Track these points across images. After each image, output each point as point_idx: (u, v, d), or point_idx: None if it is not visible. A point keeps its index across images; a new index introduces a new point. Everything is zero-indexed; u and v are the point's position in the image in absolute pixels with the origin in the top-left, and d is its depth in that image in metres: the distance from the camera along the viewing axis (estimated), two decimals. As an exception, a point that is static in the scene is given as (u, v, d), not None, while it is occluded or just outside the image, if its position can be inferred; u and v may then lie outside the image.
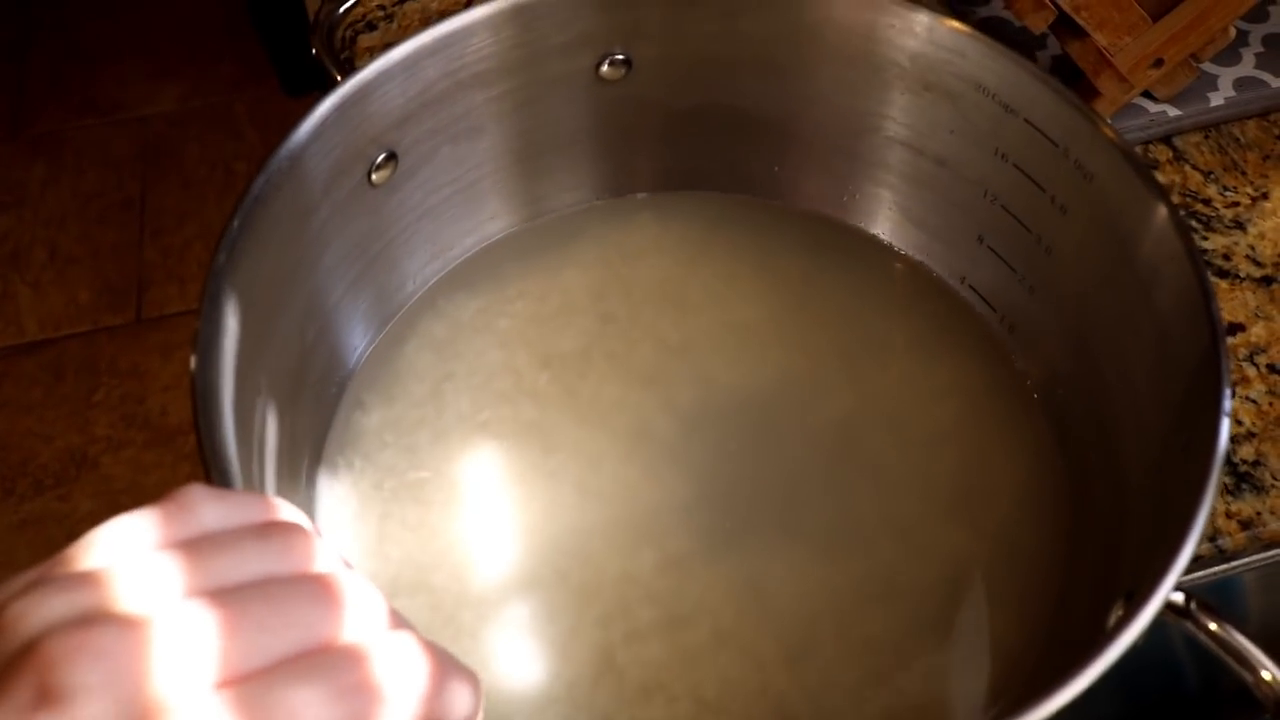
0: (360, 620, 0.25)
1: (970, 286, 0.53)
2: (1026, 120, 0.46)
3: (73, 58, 1.71)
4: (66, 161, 1.60)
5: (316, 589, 0.25)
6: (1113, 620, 0.37)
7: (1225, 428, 0.37)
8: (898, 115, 0.51)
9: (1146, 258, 0.43)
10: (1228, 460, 0.52)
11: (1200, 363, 0.39)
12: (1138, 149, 0.63)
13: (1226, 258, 0.59)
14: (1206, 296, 0.39)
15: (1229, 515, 0.51)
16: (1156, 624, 0.57)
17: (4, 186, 1.57)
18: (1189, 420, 0.39)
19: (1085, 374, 0.48)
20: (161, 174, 1.60)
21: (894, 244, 0.55)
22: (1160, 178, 0.62)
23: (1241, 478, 0.52)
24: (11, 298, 1.48)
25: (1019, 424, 0.51)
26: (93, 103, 1.66)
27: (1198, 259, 0.40)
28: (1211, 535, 0.51)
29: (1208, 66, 0.65)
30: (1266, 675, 0.34)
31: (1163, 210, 0.41)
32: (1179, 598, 0.37)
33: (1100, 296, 0.46)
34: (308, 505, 0.48)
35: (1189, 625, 0.37)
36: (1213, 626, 0.37)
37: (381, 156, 0.47)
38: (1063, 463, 0.49)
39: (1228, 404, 0.37)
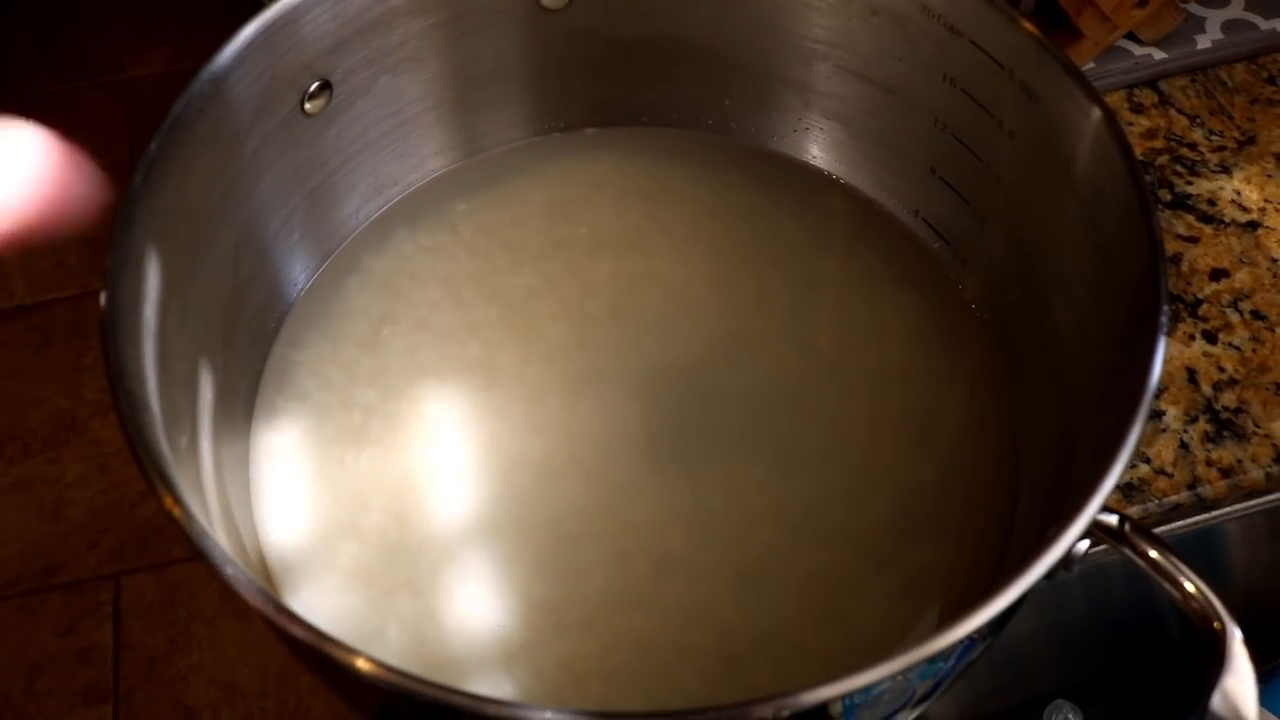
0: None
1: (923, 219, 0.52)
2: (972, 42, 0.45)
3: (59, 19, 1.69)
4: (54, 123, 1.58)
5: None
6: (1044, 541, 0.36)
7: (1161, 344, 0.36)
8: (844, 42, 0.50)
9: (1089, 178, 0.42)
10: (1209, 407, 0.52)
11: (1140, 280, 0.38)
12: (1122, 93, 0.62)
13: (1211, 203, 0.58)
14: (1146, 213, 0.38)
15: (1209, 463, 0.51)
16: (1122, 565, 0.56)
17: (-9, 150, 1.56)
18: (1129, 341, 0.38)
19: (1033, 303, 0.47)
20: (149, 138, 1.58)
21: (845, 178, 0.54)
22: (1145, 122, 0.61)
23: (1223, 425, 0.51)
24: (-1, 261, 1.48)
25: (968, 357, 0.50)
26: (80, 65, 1.65)
27: (1138, 175, 0.39)
28: (1191, 483, 0.50)
29: (1194, 8, 0.64)
30: (1190, 587, 0.33)
31: (1104, 127, 0.40)
32: (1112, 519, 0.36)
33: (1047, 221, 0.45)
34: (244, 445, 0.48)
35: (1125, 550, 0.37)
36: (1153, 554, 0.36)
37: (315, 85, 0.46)
38: (1011, 394, 0.48)
39: (1165, 320, 0.36)
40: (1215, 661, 0.33)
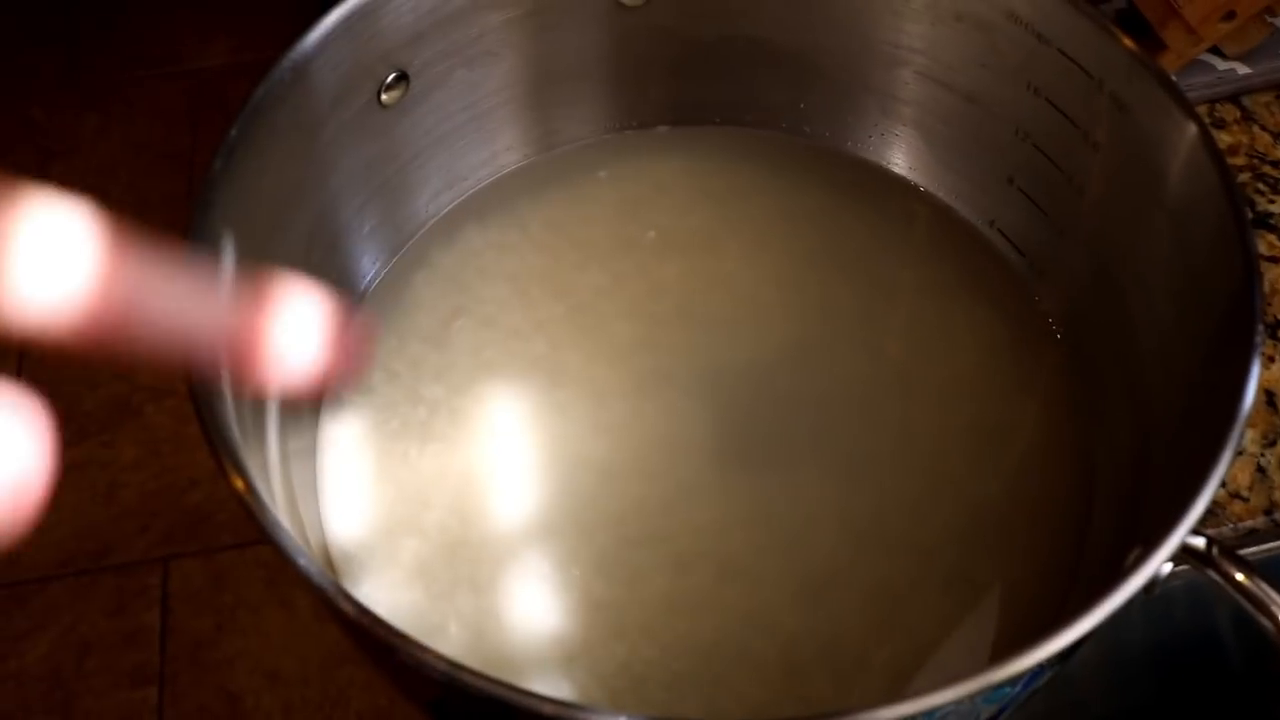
0: None
1: (999, 230, 0.51)
2: (1060, 50, 0.44)
3: (124, 9, 1.71)
4: (118, 112, 1.60)
5: None
6: (1129, 563, 0.35)
7: (1256, 364, 0.35)
8: (927, 48, 0.49)
9: (1180, 191, 0.41)
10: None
11: (1233, 297, 0.37)
12: (1204, 107, 0.61)
13: (1293, 223, 0.57)
14: (1242, 228, 0.37)
15: (1289, 489, 0.49)
16: (1194, 587, 0.54)
17: (57, 135, 1.58)
18: (1218, 359, 0.37)
19: (1113, 318, 0.46)
20: (211, 128, 1.59)
21: (922, 185, 0.53)
22: (1226, 138, 0.60)
23: (1304, 450, 0.50)
24: (60, 246, 1.50)
25: (1042, 369, 0.49)
26: (143, 55, 1.66)
27: (1234, 189, 0.38)
28: (1268, 508, 0.49)
29: (1282, 23, 0.63)
30: (1281, 616, 0.32)
31: (1199, 140, 0.39)
32: (1199, 542, 0.35)
33: (1131, 236, 0.44)
34: (309, 437, 0.48)
35: (1211, 573, 0.35)
36: (1240, 577, 0.35)
37: (392, 76, 0.46)
38: (1086, 410, 0.47)
39: (1259, 339, 0.35)
40: (1305, 693, 0.31)
